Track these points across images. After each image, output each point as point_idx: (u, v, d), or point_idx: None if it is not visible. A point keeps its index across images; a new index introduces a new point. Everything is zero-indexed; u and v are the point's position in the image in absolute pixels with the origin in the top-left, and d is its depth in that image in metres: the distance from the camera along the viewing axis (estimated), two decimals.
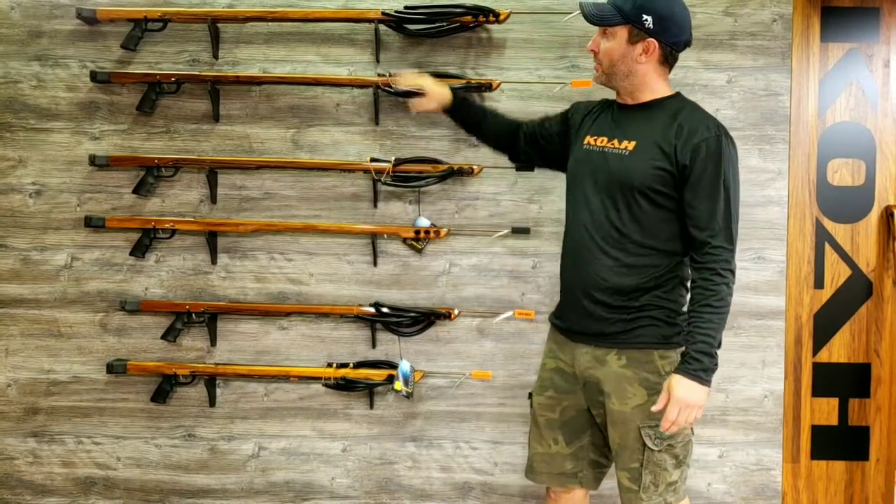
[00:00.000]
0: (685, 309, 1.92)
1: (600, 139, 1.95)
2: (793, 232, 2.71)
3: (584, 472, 2.04)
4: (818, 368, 2.73)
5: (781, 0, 2.61)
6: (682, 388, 1.76)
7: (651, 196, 1.85)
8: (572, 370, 1.98)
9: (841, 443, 2.74)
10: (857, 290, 2.72)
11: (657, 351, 1.89)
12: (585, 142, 1.98)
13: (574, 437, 2.02)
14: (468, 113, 2.20)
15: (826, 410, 2.74)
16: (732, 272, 1.84)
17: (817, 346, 2.73)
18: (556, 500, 2.10)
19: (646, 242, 1.87)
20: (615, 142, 1.91)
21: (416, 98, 2.19)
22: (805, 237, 2.72)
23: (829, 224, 2.72)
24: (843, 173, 2.72)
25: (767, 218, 2.64)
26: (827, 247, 2.72)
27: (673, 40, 1.88)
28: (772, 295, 2.65)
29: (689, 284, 1.95)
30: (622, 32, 1.86)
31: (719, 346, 1.82)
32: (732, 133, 2.59)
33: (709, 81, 2.62)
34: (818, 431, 2.74)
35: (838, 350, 2.73)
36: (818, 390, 2.73)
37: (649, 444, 1.85)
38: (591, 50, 1.93)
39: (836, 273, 2.72)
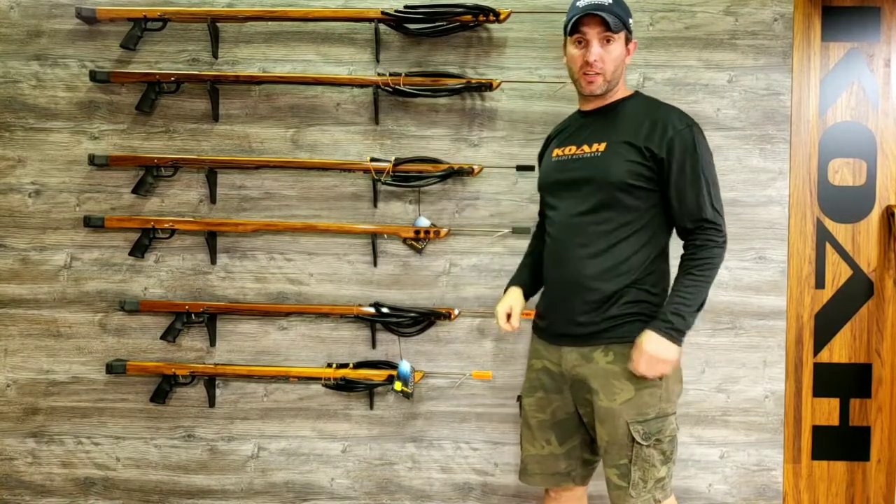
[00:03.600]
0: (666, 290, 1.96)
1: (568, 149, 2.00)
2: (794, 232, 2.70)
3: (577, 470, 2.06)
4: (819, 369, 2.72)
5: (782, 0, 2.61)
6: (652, 343, 1.81)
7: (629, 191, 1.87)
8: (559, 369, 1.98)
9: (842, 443, 2.73)
10: (859, 290, 2.72)
11: None
12: (554, 154, 2.04)
13: (566, 436, 2.03)
14: (537, 283, 2.16)
15: (827, 411, 2.73)
16: (720, 247, 1.86)
17: (818, 346, 2.72)
18: (557, 499, 2.10)
19: (625, 239, 1.89)
20: (584, 147, 1.96)
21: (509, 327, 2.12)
22: (806, 237, 2.72)
23: (830, 224, 2.72)
24: (844, 173, 2.71)
25: (768, 218, 2.64)
26: (828, 247, 2.72)
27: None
28: (773, 295, 2.64)
29: (668, 278, 1.98)
30: (622, 37, 1.93)
31: (698, 310, 1.84)
32: (733, 132, 2.62)
33: (710, 81, 2.62)
34: (819, 432, 2.73)
35: (839, 350, 2.73)
36: (819, 390, 2.73)
37: (638, 438, 1.86)
38: (595, 61, 1.90)
39: (837, 273, 2.72)
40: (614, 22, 1.87)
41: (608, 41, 1.90)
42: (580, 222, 1.92)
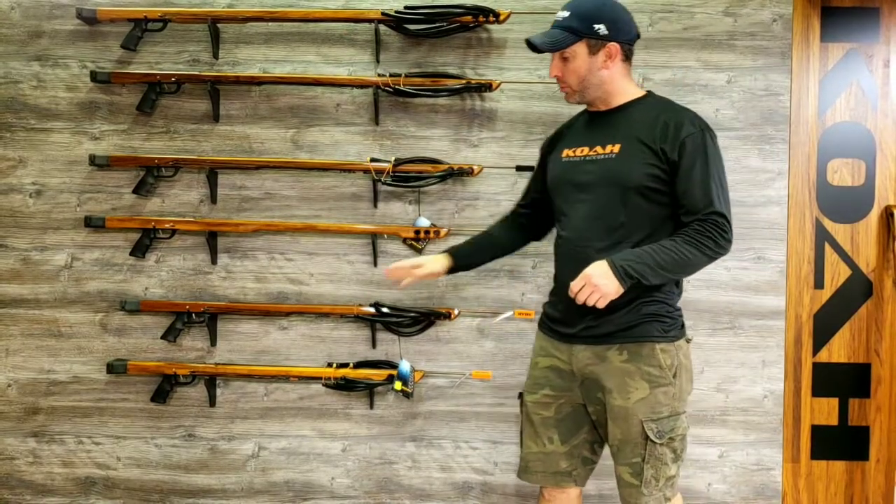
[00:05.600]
0: (679, 304, 1.97)
1: (580, 149, 1.98)
2: (793, 232, 2.71)
3: (578, 469, 2.05)
4: (818, 368, 2.73)
5: (781, 0, 2.61)
6: (597, 268, 1.78)
7: (645, 193, 1.87)
8: (569, 367, 1.98)
9: (841, 443, 2.74)
10: (857, 290, 2.72)
11: (658, 345, 1.90)
12: (564, 154, 2.01)
13: (569, 435, 2.02)
14: (472, 259, 2.21)
15: (826, 410, 2.74)
16: (720, 243, 1.83)
17: (817, 346, 2.73)
18: (552, 500, 2.09)
19: (640, 241, 1.88)
20: (598, 149, 1.94)
21: (406, 280, 2.12)
22: (805, 237, 2.72)
23: (829, 224, 2.72)
24: (843, 173, 2.72)
25: (767, 218, 2.64)
26: (827, 247, 2.72)
27: (627, 38, 1.94)
28: (772, 295, 2.65)
29: (682, 282, 1.99)
30: (580, 49, 1.91)
31: (660, 271, 1.79)
32: (732, 133, 2.62)
33: (709, 81, 2.62)
34: (818, 431, 2.74)
35: (838, 350, 2.73)
36: (818, 390, 2.73)
37: (652, 436, 1.87)
38: (556, 77, 1.96)
39: (836, 273, 2.72)
40: (549, 43, 1.90)
41: (564, 57, 1.92)
42: (595, 224, 1.91)
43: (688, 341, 1.99)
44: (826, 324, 2.73)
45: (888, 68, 2.70)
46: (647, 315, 1.89)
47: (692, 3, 2.63)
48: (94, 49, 2.67)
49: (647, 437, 1.87)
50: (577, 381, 1.98)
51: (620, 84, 1.95)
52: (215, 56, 2.64)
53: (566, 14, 1.92)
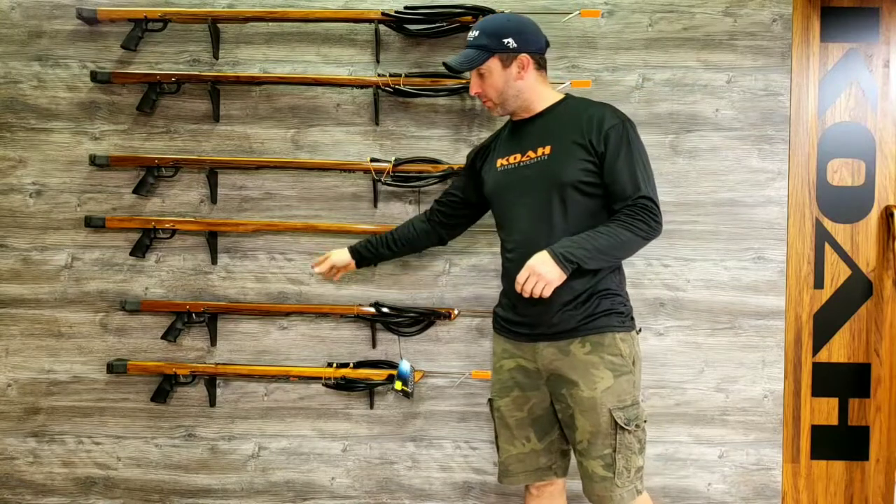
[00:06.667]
0: (627, 291, 2.06)
1: (512, 157, 2.07)
2: (793, 232, 2.71)
3: (558, 462, 2.12)
4: (818, 368, 2.73)
5: (781, 0, 2.61)
6: (538, 258, 1.87)
7: (580, 188, 1.94)
8: (535, 366, 2.03)
9: (841, 443, 2.74)
10: (857, 290, 2.72)
11: (618, 334, 1.97)
12: (499, 164, 2.10)
13: (545, 432, 2.08)
14: (377, 254, 2.36)
15: (826, 410, 2.74)
16: (650, 226, 1.91)
17: (817, 345, 2.73)
18: (539, 495, 2.15)
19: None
20: (529, 153, 2.03)
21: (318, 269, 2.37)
22: (805, 237, 2.72)
23: (828, 224, 2.72)
24: (843, 173, 2.72)
25: (767, 218, 2.64)
26: (827, 247, 2.72)
27: (536, 47, 2.04)
28: (772, 295, 2.65)
29: (623, 273, 2.08)
30: (494, 64, 2.01)
31: (598, 255, 1.88)
32: (732, 133, 2.63)
33: (708, 81, 2.62)
34: (818, 431, 2.74)
35: (838, 350, 2.73)
36: (818, 390, 2.73)
37: (621, 423, 1.92)
38: (476, 93, 2.07)
39: (836, 273, 2.72)
40: (463, 63, 2.02)
41: (480, 73, 2.03)
42: (538, 225, 1.98)
43: (637, 332, 2.06)
44: (826, 324, 2.73)
45: (888, 68, 2.70)
46: (605, 311, 1.96)
47: (692, 3, 2.63)
48: (95, 49, 2.67)
49: (616, 426, 1.92)
50: (542, 379, 2.03)
51: (538, 91, 2.05)
52: (215, 56, 2.64)
53: (476, 34, 2.02)
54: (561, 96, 2.08)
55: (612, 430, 1.93)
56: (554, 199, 1.96)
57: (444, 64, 2.07)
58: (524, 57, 2.01)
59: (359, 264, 2.38)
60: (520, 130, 2.09)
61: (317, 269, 2.37)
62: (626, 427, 1.93)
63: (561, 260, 1.85)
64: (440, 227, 2.35)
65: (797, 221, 2.72)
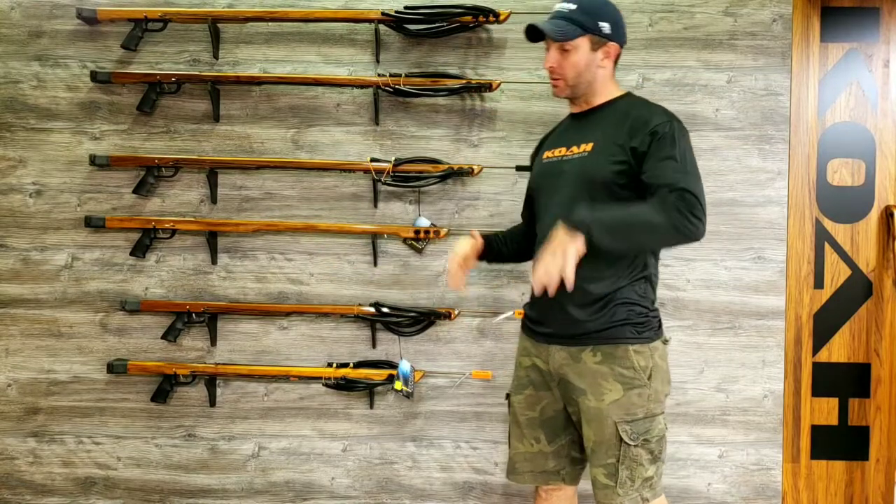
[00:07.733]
0: (655, 305, 1.95)
1: (558, 150, 2.01)
2: (793, 232, 2.71)
3: (566, 468, 2.06)
4: (818, 368, 2.73)
5: (781, 0, 2.61)
6: (552, 238, 1.72)
7: (614, 190, 1.86)
8: (547, 367, 1.99)
9: (841, 443, 2.74)
10: (857, 290, 2.72)
11: (632, 346, 1.89)
12: (545, 157, 2.05)
13: (554, 435, 2.03)
14: (497, 250, 2.19)
15: (826, 410, 2.74)
16: (686, 217, 1.71)
17: (817, 345, 2.73)
18: (548, 499, 2.11)
19: None
20: (573, 149, 1.96)
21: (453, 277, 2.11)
22: (805, 237, 2.72)
23: (829, 224, 2.72)
24: (843, 173, 2.72)
25: (767, 218, 2.64)
26: (827, 247, 2.72)
27: (623, 41, 1.98)
28: (772, 295, 2.65)
29: (655, 282, 1.97)
30: (584, 43, 1.91)
31: (616, 233, 1.71)
32: (732, 132, 2.62)
33: (709, 81, 2.62)
34: (818, 431, 2.74)
35: (838, 350, 2.73)
36: (818, 390, 2.73)
37: (626, 438, 1.86)
38: (550, 68, 1.95)
39: (836, 273, 2.72)
40: (559, 33, 1.89)
41: (565, 49, 1.92)
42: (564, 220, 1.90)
43: (665, 342, 1.96)
44: (826, 324, 2.73)
45: (888, 68, 2.70)
46: (621, 320, 1.88)
47: (692, 3, 2.63)
48: (95, 49, 2.67)
49: (620, 439, 1.86)
50: (554, 381, 1.99)
51: (607, 84, 1.98)
52: (215, 56, 2.64)
53: (572, 7, 1.91)
54: (621, 92, 2.00)
55: (616, 442, 1.87)
56: (583, 197, 1.86)
57: (531, 26, 1.92)
58: (613, 46, 1.93)
59: (486, 251, 2.15)
60: (573, 124, 2.03)
61: (452, 282, 2.10)
62: (631, 442, 1.86)
63: (573, 223, 1.69)
64: (531, 225, 2.15)
65: (797, 221, 2.72)
